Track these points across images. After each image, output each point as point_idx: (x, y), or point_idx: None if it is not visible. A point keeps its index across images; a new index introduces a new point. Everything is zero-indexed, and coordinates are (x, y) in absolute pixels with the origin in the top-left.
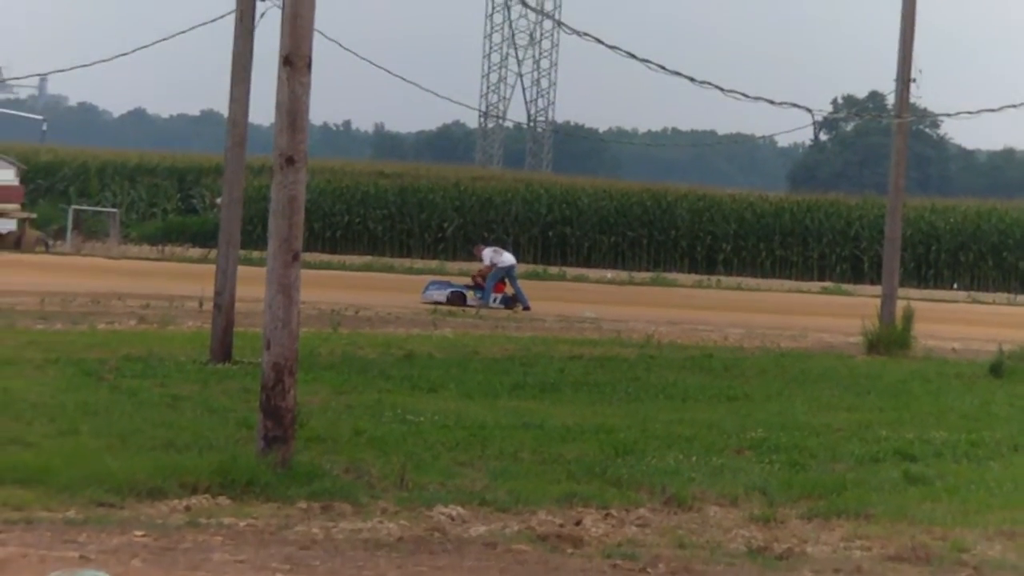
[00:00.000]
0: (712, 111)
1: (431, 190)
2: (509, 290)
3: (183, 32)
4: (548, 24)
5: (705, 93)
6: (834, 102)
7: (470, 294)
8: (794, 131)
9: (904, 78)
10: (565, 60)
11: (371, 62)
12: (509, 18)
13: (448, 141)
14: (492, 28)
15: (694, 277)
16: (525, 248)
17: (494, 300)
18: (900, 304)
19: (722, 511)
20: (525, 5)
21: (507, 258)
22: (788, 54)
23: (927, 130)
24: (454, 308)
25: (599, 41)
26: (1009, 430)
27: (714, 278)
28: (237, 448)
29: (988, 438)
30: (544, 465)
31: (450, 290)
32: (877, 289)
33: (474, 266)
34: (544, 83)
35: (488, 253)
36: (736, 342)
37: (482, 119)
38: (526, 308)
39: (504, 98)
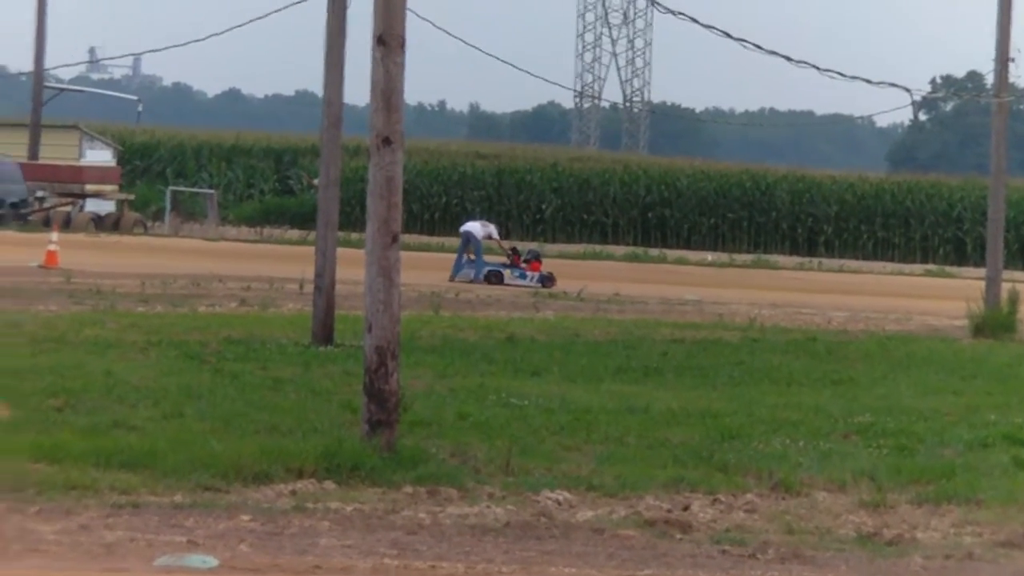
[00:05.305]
0: (810, 91)
1: (528, 171)
2: (545, 269)
3: (277, 11)
4: (642, 3)
5: (802, 73)
6: (933, 82)
7: (507, 272)
8: (893, 111)
9: (1003, 58)
10: (660, 39)
11: (465, 41)
12: None
13: (544, 121)
14: (585, 7)
15: (795, 259)
16: (625, 230)
17: (532, 279)
18: (1005, 287)
19: (830, 496)
20: None
21: (482, 229)
22: (886, 34)
23: None
24: (555, 291)
25: (694, 20)
26: None
27: (815, 260)
28: (341, 432)
29: None
30: (650, 450)
31: (487, 268)
32: (981, 271)
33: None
34: (639, 63)
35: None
36: (840, 325)
37: (577, 99)
38: (451, 279)
39: (599, 78)
